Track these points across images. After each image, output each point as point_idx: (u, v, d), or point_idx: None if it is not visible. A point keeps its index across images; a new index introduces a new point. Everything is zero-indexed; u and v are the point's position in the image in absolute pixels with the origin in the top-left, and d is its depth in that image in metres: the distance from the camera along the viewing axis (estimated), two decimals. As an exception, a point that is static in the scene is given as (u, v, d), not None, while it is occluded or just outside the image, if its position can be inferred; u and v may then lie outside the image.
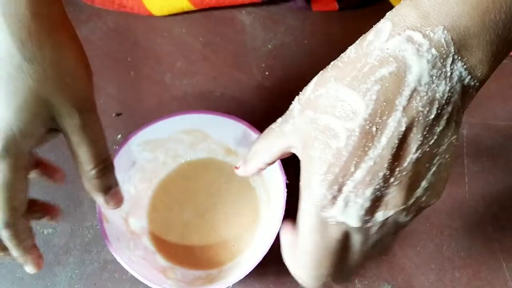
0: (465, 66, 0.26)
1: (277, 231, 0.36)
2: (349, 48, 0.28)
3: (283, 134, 0.29)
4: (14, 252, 0.32)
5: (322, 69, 0.31)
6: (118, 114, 0.47)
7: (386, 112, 0.26)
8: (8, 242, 0.31)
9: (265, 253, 0.35)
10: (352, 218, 0.27)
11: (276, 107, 0.39)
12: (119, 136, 0.46)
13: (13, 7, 0.27)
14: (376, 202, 0.27)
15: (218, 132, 0.41)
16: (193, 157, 0.44)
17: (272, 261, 0.41)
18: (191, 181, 0.44)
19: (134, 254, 0.38)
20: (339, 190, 0.26)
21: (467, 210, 0.43)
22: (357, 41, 0.28)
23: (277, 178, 0.37)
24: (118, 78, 0.49)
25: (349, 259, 0.29)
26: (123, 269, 0.42)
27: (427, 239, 0.42)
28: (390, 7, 0.38)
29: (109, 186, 0.33)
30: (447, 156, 0.27)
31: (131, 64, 0.49)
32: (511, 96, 0.46)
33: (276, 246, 0.36)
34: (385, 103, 0.26)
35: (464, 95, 0.27)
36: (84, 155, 0.31)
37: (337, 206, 0.27)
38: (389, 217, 0.27)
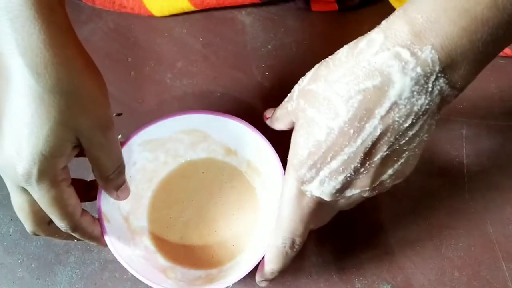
0: (446, 82, 0.27)
1: None
2: (342, 48, 0.30)
3: (287, 111, 0.34)
4: (90, 242, 0.36)
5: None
6: (118, 114, 0.47)
7: (365, 119, 0.28)
8: (81, 238, 0.35)
9: (264, 253, 0.35)
10: (325, 195, 0.32)
11: (276, 107, 0.39)
12: (120, 136, 0.46)
13: (27, 39, 0.28)
14: (346, 184, 0.31)
15: (218, 132, 0.41)
16: (193, 157, 0.44)
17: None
18: (192, 181, 0.44)
19: (134, 254, 0.38)
20: (317, 173, 0.31)
21: (467, 210, 0.43)
22: (350, 44, 0.30)
23: (277, 178, 0.38)
24: (119, 79, 0.49)
25: (318, 220, 0.36)
26: (123, 269, 0.42)
27: (426, 239, 0.42)
28: (390, 7, 0.38)
29: (121, 184, 0.36)
30: (416, 150, 0.30)
31: (131, 65, 0.49)
32: (510, 96, 0.46)
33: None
34: (365, 111, 0.28)
35: (442, 103, 0.28)
36: (103, 165, 0.33)
37: (314, 184, 0.31)
38: (355, 194, 0.32)
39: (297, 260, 0.41)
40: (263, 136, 0.39)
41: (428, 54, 0.26)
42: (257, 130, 0.39)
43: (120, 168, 0.35)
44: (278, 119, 0.37)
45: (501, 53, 0.47)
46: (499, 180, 0.44)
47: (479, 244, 0.42)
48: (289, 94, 0.34)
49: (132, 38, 0.50)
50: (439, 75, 0.27)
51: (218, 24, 0.50)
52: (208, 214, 0.43)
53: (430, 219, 0.43)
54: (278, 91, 0.47)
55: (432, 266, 0.41)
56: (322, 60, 0.31)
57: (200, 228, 0.42)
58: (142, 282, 0.40)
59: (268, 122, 0.39)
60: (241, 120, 0.39)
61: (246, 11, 0.51)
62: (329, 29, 0.49)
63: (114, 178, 0.35)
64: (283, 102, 0.36)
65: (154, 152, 0.42)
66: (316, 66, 0.32)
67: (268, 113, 0.39)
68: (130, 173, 0.41)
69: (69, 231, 0.33)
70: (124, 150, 0.38)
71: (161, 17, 0.51)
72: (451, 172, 0.44)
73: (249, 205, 0.43)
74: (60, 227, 0.33)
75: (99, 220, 0.37)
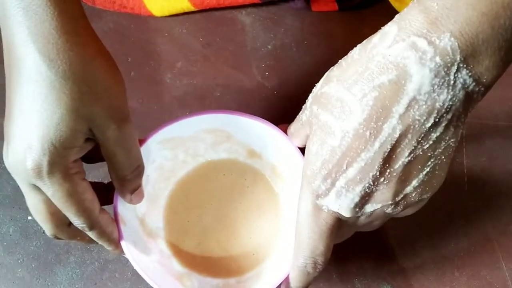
0: (470, 74, 0.25)
1: None
2: (355, 48, 0.28)
3: (302, 123, 0.32)
4: (107, 246, 0.34)
5: (321, 70, 0.31)
6: (118, 114, 0.47)
7: (382, 118, 0.26)
8: (99, 240, 0.33)
9: (289, 266, 0.33)
10: (343, 210, 0.29)
11: (276, 107, 0.39)
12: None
13: (39, 26, 0.27)
14: (365, 197, 0.28)
15: (243, 133, 0.39)
16: (214, 157, 0.42)
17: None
18: (211, 182, 0.42)
19: (150, 259, 0.37)
20: (332, 184, 0.28)
21: (467, 210, 0.43)
22: (363, 42, 0.28)
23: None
24: (119, 78, 0.49)
25: (338, 237, 0.32)
26: (123, 269, 0.42)
27: (426, 239, 0.42)
28: (390, 7, 0.38)
29: (137, 187, 0.35)
30: (443, 157, 0.28)
31: (131, 64, 0.49)
32: (510, 96, 0.46)
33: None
34: (381, 110, 0.26)
35: (467, 101, 0.26)
36: (119, 163, 0.32)
37: (330, 198, 0.29)
38: (377, 209, 0.29)
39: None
40: (291, 141, 0.36)
41: (447, 42, 0.24)
42: (285, 134, 0.36)
43: (139, 169, 0.33)
44: (293, 135, 0.34)
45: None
46: (499, 180, 0.44)
47: (479, 244, 0.42)
48: (303, 106, 0.32)
49: (132, 38, 0.50)
50: (461, 65, 0.25)
51: (218, 24, 0.50)
52: (228, 219, 0.41)
53: (430, 219, 0.43)
54: (278, 91, 0.47)
55: (432, 266, 0.41)
56: (334, 65, 0.30)
57: (219, 235, 0.40)
58: (142, 282, 0.40)
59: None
60: (268, 122, 0.37)
61: (246, 11, 0.51)
62: (329, 29, 0.49)
63: (131, 180, 0.33)
64: (297, 116, 0.33)
65: (174, 150, 0.40)
66: (330, 69, 0.30)
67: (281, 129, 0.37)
68: (148, 171, 0.39)
69: (86, 229, 0.32)
70: (143, 149, 0.36)
71: (161, 17, 0.51)
72: (451, 172, 0.44)
73: (272, 213, 0.41)
74: (77, 226, 0.32)
75: (117, 223, 0.35)
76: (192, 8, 0.50)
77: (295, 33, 0.49)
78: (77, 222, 0.31)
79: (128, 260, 0.42)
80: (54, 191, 0.29)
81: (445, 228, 0.42)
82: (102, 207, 0.34)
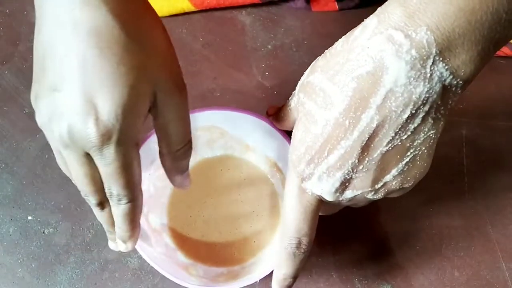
0: (446, 67, 0.26)
1: None
2: (339, 39, 0.29)
3: (290, 108, 0.33)
4: (125, 226, 0.32)
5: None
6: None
7: (360, 109, 0.27)
8: (126, 216, 0.31)
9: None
10: (326, 194, 0.30)
11: (277, 106, 0.39)
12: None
13: None
14: (345, 183, 0.29)
15: (237, 129, 0.41)
16: (209, 155, 0.44)
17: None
18: (210, 178, 0.43)
19: (156, 251, 0.38)
20: (315, 169, 0.29)
21: (467, 210, 0.43)
22: (347, 34, 0.29)
23: None
24: (119, 78, 0.49)
25: (323, 211, 0.34)
26: (123, 269, 0.42)
27: (426, 238, 0.42)
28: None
29: (186, 167, 0.34)
30: (423, 148, 0.28)
31: (131, 65, 0.49)
32: (510, 96, 0.46)
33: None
34: (359, 100, 0.27)
35: (445, 94, 0.27)
36: (175, 133, 0.31)
37: (313, 181, 0.30)
38: (357, 194, 0.30)
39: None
40: (283, 132, 0.38)
41: (423, 35, 0.25)
42: (275, 125, 0.38)
43: (189, 144, 0.32)
44: (283, 118, 0.35)
45: (501, 53, 0.47)
46: (499, 180, 0.44)
47: (479, 244, 0.42)
48: (293, 92, 0.33)
49: (132, 38, 0.50)
50: (437, 58, 0.25)
51: (218, 24, 0.50)
52: (229, 212, 0.42)
53: (430, 219, 0.43)
54: (278, 91, 0.47)
55: (432, 266, 0.41)
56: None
57: (220, 226, 0.42)
58: (142, 282, 0.40)
59: (270, 119, 0.38)
60: (260, 115, 0.38)
61: (246, 11, 0.51)
62: (329, 29, 0.49)
63: (180, 156, 0.32)
64: (287, 100, 0.35)
65: None
66: (316, 59, 0.31)
67: (270, 110, 0.38)
68: (149, 171, 0.41)
69: (123, 202, 0.30)
70: (143, 149, 0.37)
71: (161, 17, 0.51)
72: (451, 172, 0.44)
73: (268, 201, 0.43)
74: (116, 196, 0.30)
75: None
76: (192, 8, 0.50)
77: (295, 33, 0.49)
78: (120, 192, 0.30)
79: (128, 261, 0.42)
80: (113, 160, 0.28)
81: (445, 228, 0.42)
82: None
